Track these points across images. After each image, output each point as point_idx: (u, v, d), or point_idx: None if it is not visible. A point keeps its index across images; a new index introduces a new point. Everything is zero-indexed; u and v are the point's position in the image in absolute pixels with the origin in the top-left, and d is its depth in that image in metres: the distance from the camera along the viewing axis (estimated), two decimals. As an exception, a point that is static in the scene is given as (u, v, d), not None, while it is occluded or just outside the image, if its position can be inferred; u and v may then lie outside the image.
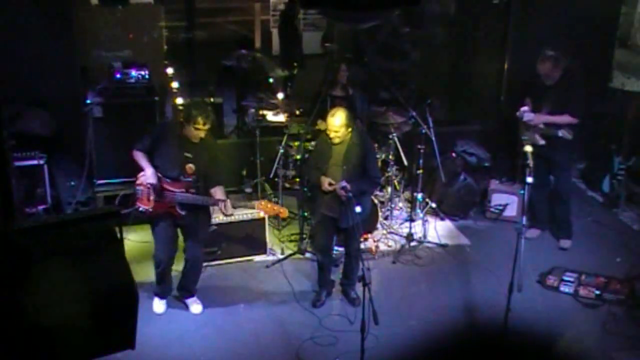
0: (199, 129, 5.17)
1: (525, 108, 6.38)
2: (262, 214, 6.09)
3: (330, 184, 5.42)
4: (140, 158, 5.24)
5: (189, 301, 5.69)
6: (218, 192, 5.36)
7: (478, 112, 8.68)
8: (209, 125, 5.22)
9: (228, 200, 5.30)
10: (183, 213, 5.26)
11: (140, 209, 5.26)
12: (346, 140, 5.43)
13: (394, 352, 5.21)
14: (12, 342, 2.47)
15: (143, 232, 6.08)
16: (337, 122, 5.32)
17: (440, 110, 8.54)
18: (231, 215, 5.47)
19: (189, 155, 5.24)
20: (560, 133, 6.27)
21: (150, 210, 5.26)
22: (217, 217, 6.22)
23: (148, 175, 5.19)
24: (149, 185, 5.19)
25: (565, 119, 6.23)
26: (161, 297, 5.63)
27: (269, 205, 5.45)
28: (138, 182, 5.29)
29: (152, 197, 5.21)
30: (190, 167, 5.23)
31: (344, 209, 5.36)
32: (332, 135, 5.39)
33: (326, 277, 5.83)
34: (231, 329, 5.47)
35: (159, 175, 5.23)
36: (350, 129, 5.39)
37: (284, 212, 5.53)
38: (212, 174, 5.41)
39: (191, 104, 5.81)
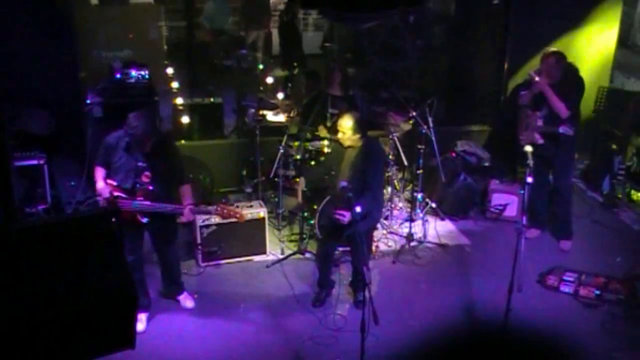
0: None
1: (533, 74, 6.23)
2: (218, 219, 5.81)
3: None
4: (96, 173, 5.21)
5: (181, 297, 5.75)
6: (184, 192, 5.27)
7: (478, 112, 8.68)
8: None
9: (187, 208, 5.16)
10: (144, 221, 5.16)
11: None
12: (357, 148, 5.49)
13: (394, 352, 5.21)
14: (12, 342, 2.47)
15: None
16: (345, 123, 5.43)
17: (440, 110, 8.55)
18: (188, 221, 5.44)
19: (142, 165, 5.13)
20: (562, 130, 6.24)
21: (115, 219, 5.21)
22: (217, 217, 6.22)
23: (98, 190, 5.15)
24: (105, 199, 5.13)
25: (562, 106, 6.14)
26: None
27: (225, 210, 5.26)
28: (97, 193, 5.23)
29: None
30: (146, 175, 5.12)
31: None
32: (339, 135, 5.51)
33: (326, 277, 5.84)
34: (231, 329, 5.47)
35: (116, 185, 5.12)
36: (359, 136, 5.44)
37: (242, 218, 5.33)
38: (172, 175, 5.29)
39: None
